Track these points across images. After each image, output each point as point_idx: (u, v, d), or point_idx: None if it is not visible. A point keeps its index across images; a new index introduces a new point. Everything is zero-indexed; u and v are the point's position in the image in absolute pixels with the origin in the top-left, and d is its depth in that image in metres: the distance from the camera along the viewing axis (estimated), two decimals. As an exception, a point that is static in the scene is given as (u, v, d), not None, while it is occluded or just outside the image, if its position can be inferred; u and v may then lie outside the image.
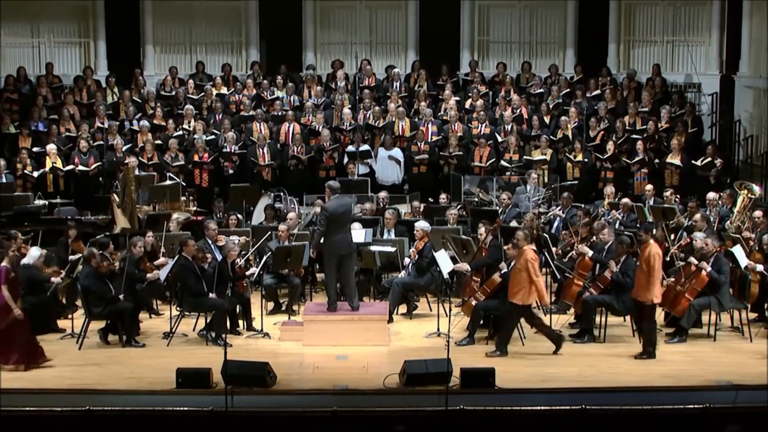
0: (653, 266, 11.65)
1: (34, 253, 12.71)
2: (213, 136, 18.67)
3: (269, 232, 13.96)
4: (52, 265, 12.94)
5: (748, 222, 14.65)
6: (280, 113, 19.31)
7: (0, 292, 11.39)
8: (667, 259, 13.04)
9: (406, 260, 13.64)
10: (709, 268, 12.26)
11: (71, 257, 13.31)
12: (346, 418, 9.84)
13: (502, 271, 12.41)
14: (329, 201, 12.60)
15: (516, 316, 12.02)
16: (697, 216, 14.23)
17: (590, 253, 12.70)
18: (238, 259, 12.91)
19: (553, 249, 13.82)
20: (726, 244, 13.15)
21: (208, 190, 18.00)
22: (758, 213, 14.31)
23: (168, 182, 17.03)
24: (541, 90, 20.28)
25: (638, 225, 15.14)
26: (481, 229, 13.49)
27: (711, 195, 15.64)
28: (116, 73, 20.86)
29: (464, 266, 13.10)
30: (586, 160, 18.07)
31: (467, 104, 19.81)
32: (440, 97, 20.09)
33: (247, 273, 12.94)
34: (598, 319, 12.63)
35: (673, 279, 12.60)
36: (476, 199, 16.97)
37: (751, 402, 10.14)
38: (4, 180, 17.19)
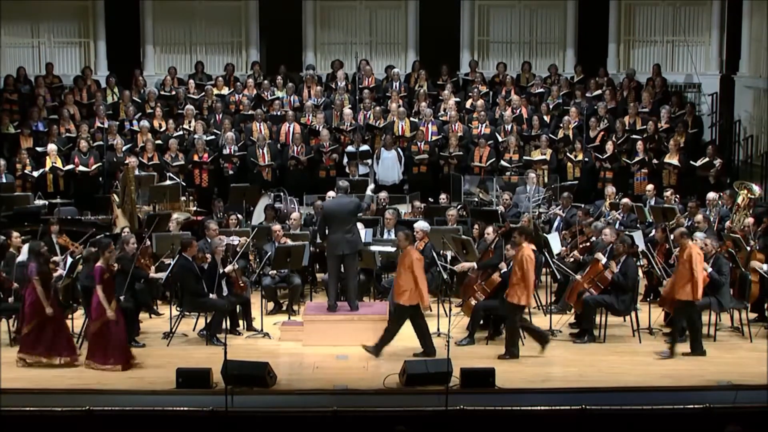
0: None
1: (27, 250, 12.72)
2: (213, 137, 18.67)
3: (249, 242, 13.87)
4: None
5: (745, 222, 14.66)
6: (279, 113, 19.31)
7: (94, 292, 11.43)
8: (671, 261, 13.04)
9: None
10: (709, 269, 12.26)
11: (62, 256, 13.33)
12: (346, 418, 9.84)
13: (502, 271, 12.42)
14: (327, 200, 12.66)
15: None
16: (698, 216, 14.24)
17: (613, 268, 12.50)
18: (233, 266, 12.84)
19: (562, 249, 13.82)
20: (726, 244, 13.15)
21: (208, 190, 17.99)
22: (750, 221, 14.34)
23: (168, 182, 17.03)
24: (541, 90, 20.27)
25: (638, 225, 15.19)
26: (489, 229, 13.49)
27: (711, 195, 15.64)
28: (116, 73, 20.85)
29: (468, 265, 13.11)
30: (586, 159, 18.08)
31: (467, 104, 19.82)
32: (440, 97, 20.08)
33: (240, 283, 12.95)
34: (598, 319, 12.63)
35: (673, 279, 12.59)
36: (476, 199, 16.98)
37: (751, 402, 10.14)
38: (4, 180, 17.19)
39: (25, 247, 12.80)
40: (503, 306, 12.39)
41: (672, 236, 13.22)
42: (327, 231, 12.63)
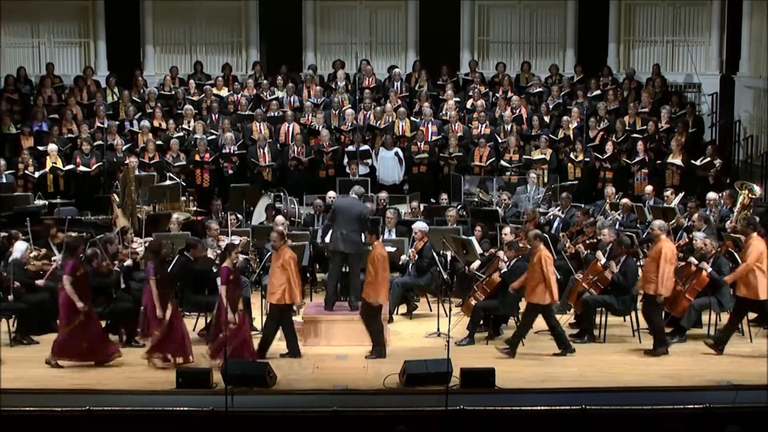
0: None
1: (20, 247, 12.74)
2: (213, 136, 18.67)
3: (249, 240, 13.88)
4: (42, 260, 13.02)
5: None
6: (277, 113, 19.31)
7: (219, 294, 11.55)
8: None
9: (403, 257, 13.66)
10: (709, 269, 12.26)
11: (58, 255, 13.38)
12: (346, 418, 9.85)
13: (502, 271, 12.42)
14: (340, 197, 12.69)
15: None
16: (695, 216, 14.22)
17: (613, 268, 12.49)
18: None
19: (566, 243, 13.81)
20: (726, 244, 13.14)
21: (208, 190, 17.99)
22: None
23: (168, 182, 17.03)
24: (540, 90, 20.27)
25: (638, 225, 15.18)
26: (506, 229, 13.50)
27: (711, 195, 15.64)
28: (116, 73, 20.85)
29: (477, 264, 13.13)
30: (586, 159, 18.08)
31: (467, 104, 19.81)
32: (440, 97, 20.08)
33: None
34: (597, 319, 12.63)
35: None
36: (476, 199, 16.97)
37: (751, 402, 10.14)
38: (4, 180, 17.19)
39: (17, 245, 12.82)
40: (504, 306, 12.41)
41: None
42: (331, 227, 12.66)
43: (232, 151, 18.30)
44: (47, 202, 16.75)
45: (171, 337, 11.53)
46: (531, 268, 11.90)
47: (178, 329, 11.65)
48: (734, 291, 12.28)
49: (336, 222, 12.55)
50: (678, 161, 17.71)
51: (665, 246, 11.84)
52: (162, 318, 11.48)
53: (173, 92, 20.29)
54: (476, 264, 13.00)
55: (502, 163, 18.10)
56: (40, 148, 18.14)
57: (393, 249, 13.90)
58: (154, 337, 11.55)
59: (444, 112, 19.42)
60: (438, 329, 12.69)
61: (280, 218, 14.61)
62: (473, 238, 14.04)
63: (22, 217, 15.16)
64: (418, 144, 18.37)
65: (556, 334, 12.01)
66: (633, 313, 12.66)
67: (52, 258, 13.20)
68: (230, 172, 18.23)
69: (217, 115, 19.20)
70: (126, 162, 16.68)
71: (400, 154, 18.35)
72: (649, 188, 16.47)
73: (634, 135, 18.50)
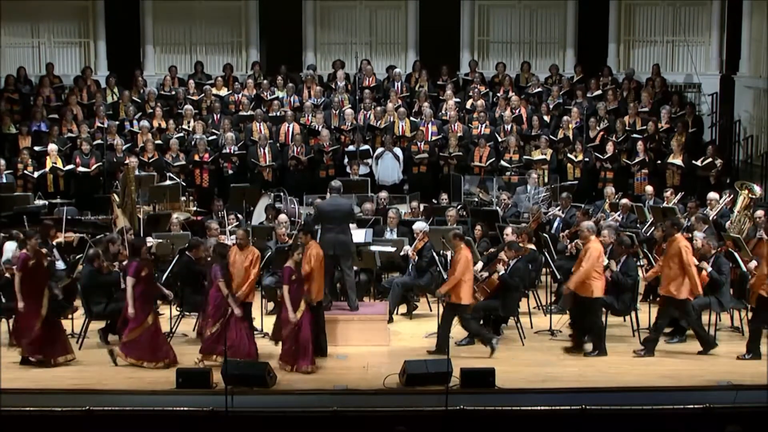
0: None
1: (10, 247, 12.73)
2: (213, 137, 18.67)
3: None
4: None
5: (748, 222, 14.64)
6: (279, 113, 19.31)
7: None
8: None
9: (406, 248, 13.66)
10: (709, 269, 12.26)
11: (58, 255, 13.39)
12: (346, 418, 9.85)
13: (500, 273, 12.40)
14: (323, 200, 12.69)
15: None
16: (693, 218, 14.22)
17: (613, 267, 12.42)
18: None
19: (568, 245, 13.80)
20: (726, 244, 13.15)
21: (208, 190, 18.00)
22: (760, 213, 14.28)
23: (168, 182, 17.03)
24: (540, 90, 20.27)
25: (638, 225, 15.18)
26: (507, 230, 13.49)
27: (711, 195, 15.63)
28: (116, 73, 20.85)
29: (480, 266, 13.12)
30: (586, 159, 18.08)
31: (467, 104, 19.81)
32: (440, 97, 20.08)
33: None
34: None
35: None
36: (476, 199, 16.97)
37: (751, 402, 10.14)
38: (4, 180, 17.20)
39: (7, 245, 12.82)
40: (503, 306, 12.39)
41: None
42: (319, 231, 12.64)
43: (232, 152, 18.30)
44: (47, 202, 16.76)
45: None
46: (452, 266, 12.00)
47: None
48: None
49: (324, 225, 12.53)
50: (678, 161, 17.72)
51: (593, 246, 11.90)
52: (238, 315, 11.44)
53: (173, 92, 20.29)
54: (479, 266, 13.00)
55: (502, 163, 18.10)
56: (37, 148, 18.14)
57: (393, 249, 13.90)
58: (210, 336, 11.51)
59: (444, 112, 19.42)
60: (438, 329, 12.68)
61: (283, 216, 14.62)
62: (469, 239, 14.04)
63: (22, 217, 15.20)
64: (418, 144, 18.37)
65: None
66: (633, 313, 12.65)
67: (51, 258, 13.19)
68: (230, 172, 18.23)
69: (219, 115, 19.20)
70: (126, 162, 16.69)
71: (398, 153, 18.36)
72: (649, 188, 16.48)
73: (634, 135, 18.50)
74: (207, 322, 11.58)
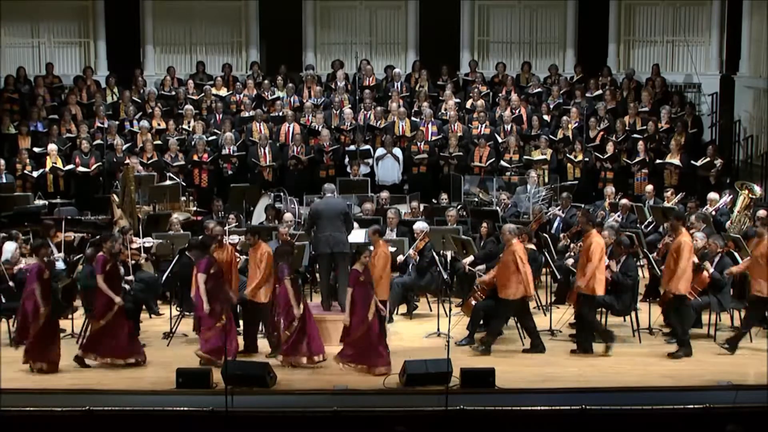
0: None
1: (9, 248, 12.73)
2: (213, 137, 18.67)
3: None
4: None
5: (749, 222, 14.64)
6: (281, 113, 19.31)
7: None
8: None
9: (400, 258, 13.65)
10: (711, 269, 12.25)
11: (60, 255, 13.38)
12: (346, 418, 9.84)
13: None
14: (316, 201, 12.72)
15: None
16: (692, 218, 14.20)
17: (614, 267, 12.39)
18: None
19: (571, 246, 13.79)
20: (727, 244, 13.13)
21: (208, 190, 18.00)
22: (762, 212, 14.28)
23: (168, 182, 17.03)
24: (540, 90, 20.27)
25: (638, 225, 15.17)
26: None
27: (711, 195, 15.63)
28: (116, 73, 20.85)
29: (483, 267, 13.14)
30: (586, 159, 18.08)
31: (467, 104, 19.81)
32: (440, 97, 20.08)
33: None
34: (597, 319, 12.61)
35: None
36: (476, 199, 16.96)
37: (751, 402, 10.13)
38: (4, 180, 17.19)
39: (7, 245, 12.81)
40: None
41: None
42: (314, 230, 12.65)
43: (231, 152, 18.30)
44: (47, 202, 16.75)
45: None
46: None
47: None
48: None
49: (318, 225, 12.53)
50: (676, 161, 17.71)
51: (518, 248, 11.97)
52: (299, 317, 11.49)
53: (173, 92, 20.29)
54: (482, 267, 13.01)
55: (502, 163, 18.10)
56: (36, 150, 18.13)
57: (393, 249, 13.89)
58: (287, 339, 11.54)
59: (444, 112, 19.41)
60: (438, 329, 12.69)
61: (288, 215, 14.64)
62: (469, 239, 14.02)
63: (22, 217, 15.20)
64: (418, 144, 18.37)
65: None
66: (633, 313, 12.65)
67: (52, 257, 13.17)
68: (229, 172, 18.23)
69: (221, 116, 19.20)
70: (126, 162, 16.68)
71: (397, 153, 18.36)
72: (649, 188, 16.48)
73: (634, 135, 18.50)
74: (278, 322, 11.57)
